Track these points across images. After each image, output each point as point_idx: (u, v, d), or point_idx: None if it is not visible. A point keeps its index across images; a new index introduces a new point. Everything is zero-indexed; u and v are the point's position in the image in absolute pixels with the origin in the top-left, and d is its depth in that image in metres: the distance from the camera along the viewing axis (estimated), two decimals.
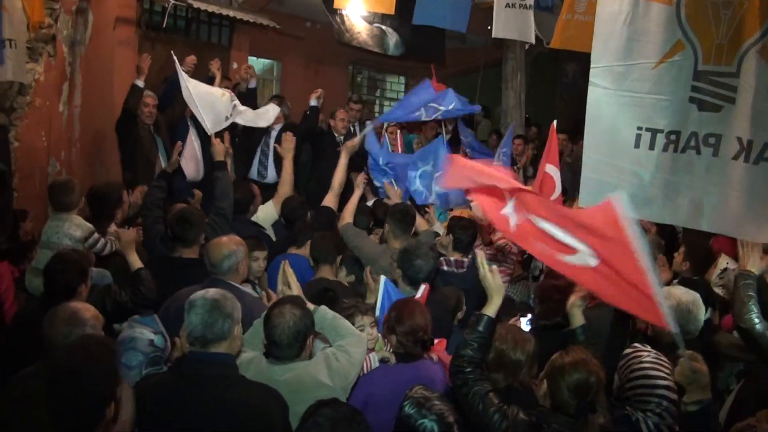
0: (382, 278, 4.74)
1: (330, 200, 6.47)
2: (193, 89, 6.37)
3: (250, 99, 8.65)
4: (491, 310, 3.64)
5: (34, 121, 8.39)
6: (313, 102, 8.96)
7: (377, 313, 4.48)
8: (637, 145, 5.06)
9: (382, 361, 3.97)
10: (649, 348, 3.89)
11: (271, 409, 3.21)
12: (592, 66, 5.23)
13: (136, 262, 4.72)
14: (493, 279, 3.69)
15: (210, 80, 8.23)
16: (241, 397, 3.17)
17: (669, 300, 4.35)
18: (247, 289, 4.68)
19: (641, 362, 3.71)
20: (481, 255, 3.88)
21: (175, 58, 6.63)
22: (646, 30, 5.05)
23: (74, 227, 5.14)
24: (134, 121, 7.71)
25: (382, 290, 4.68)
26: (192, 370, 3.20)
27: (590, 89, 5.24)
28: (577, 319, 4.06)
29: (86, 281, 4.22)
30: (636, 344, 4.11)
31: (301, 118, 9.11)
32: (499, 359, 3.74)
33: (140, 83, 7.69)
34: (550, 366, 3.43)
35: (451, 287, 5.22)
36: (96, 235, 5.26)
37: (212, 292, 3.29)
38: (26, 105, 8.22)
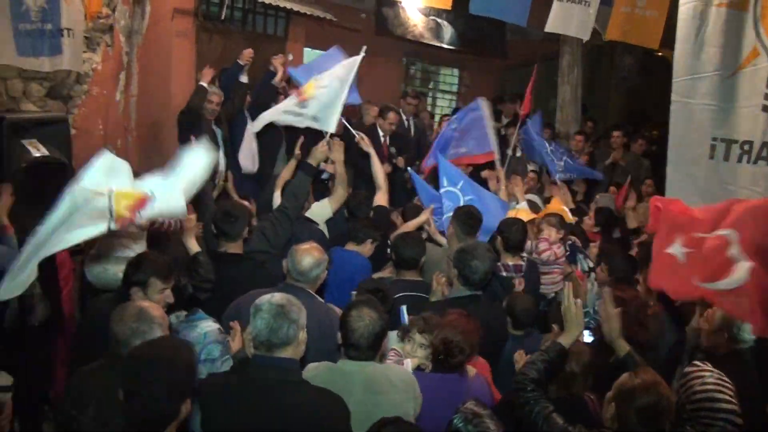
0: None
1: (381, 198, 6.43)
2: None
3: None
4: (567, 340, 3.61)
5: (91, 109, 8.49)
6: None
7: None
8: (712, 156, 5.05)
9: (418, 368, 3.98)
10: (710, 367, 3.79)
11: (333, 415, 3.21)
12: (673, 79, 5.22)
13: (194, 246, 4.80)
14: (576, 312, 3.65)
15: (270, 75, 8.26)
16: (304, 402, 3.18)
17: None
18: None
19: (704, 383, 3.59)
20: (568, 287, 3.81)
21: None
22: (719, 38, 5.00)
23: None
24: (197, 116, 7.74)
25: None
26: (256, 374, 3.21)
27: (672, 104, 5.25)
28: (622, 348, 3.89)
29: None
30: (696, 362, 4.02)
31: None
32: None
33: (205, 84, 7.70)
34: (618, 389, 3.34)
35: (527, 296, 5.11)
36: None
37: (278, 296, 3.28)
38: (83, 94, 8.32)
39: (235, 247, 4.99)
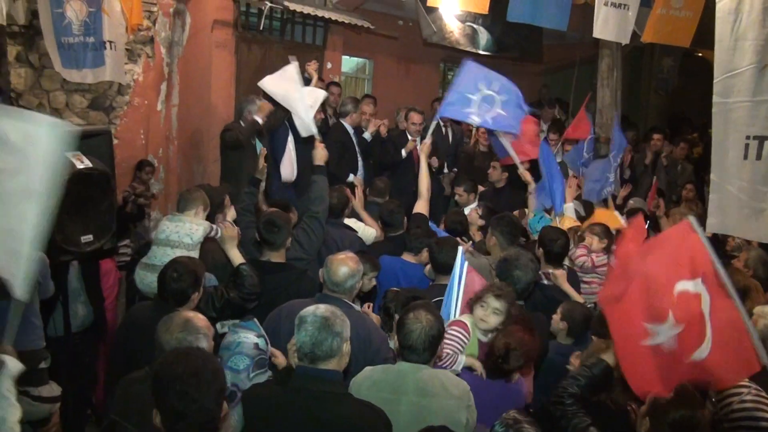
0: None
1: (421, 207, 6.41)
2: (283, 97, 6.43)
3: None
4: (611, 358, 3.60)
5: (132, 119, 8.65)
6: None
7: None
8: (745, 156, 4.95)
9: (469, 368, 3.97)
10: (747, 381, 3.73)
11: (375, 428, 3.23)
12: (714, 79, 5.13)
13: (237, 257, 4.86)
14: None
15: (306, 81, 8.31)
16: (347, 414, 3.20)
17: (764, 318, 4.20)
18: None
19: (743, 400, 3.54)
20: None
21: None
22: (753, 30, 4.92)
23: (195, 227, 5.21)
24: (240, 144, 7.83)
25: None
26: (300, 385, 3.23)
27: (714, 106, 5.15)
28: None
29: (199, 289, 4.31)
30: None
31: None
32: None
33: (260, 120, 7.79)
34: (652, 403, 3.30)
35: (583, 305, 5.07)
36: (214, 226, 5.35)
37: (322, 309, 3.30)
38: (125, 104, 8.49)
39: (277, 256, 5.01)
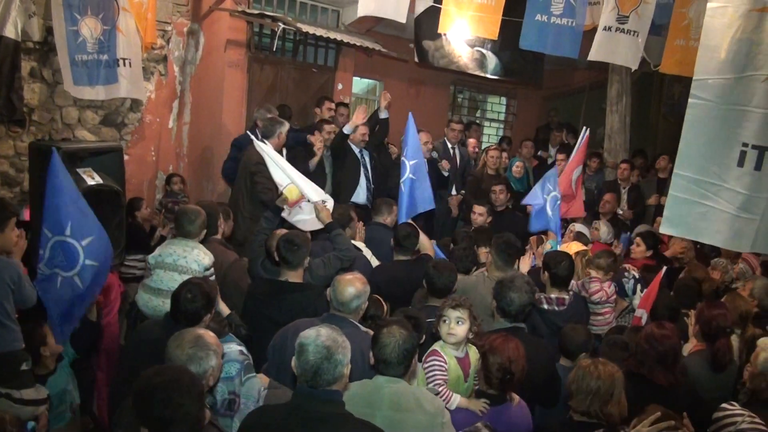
0: None
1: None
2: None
3: (382, 128, 8.95)
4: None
5: (144, 136, 8.77)
6: (383, 114, 8.94)
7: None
8: (741, 164, 4.90)
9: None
10: (740, 409, 3.73)
11: None
12: (695, 78, 5.10)
13: (225, 309, 4.92)
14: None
15: (311, 126, 8.49)
16: None
17: (765, 352, 4.21)
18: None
19: (739, 430, 3.56)
20: None
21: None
22: (759, 41, 4.88)
23: (203, 254, 5.26)
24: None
25: None
26: (301, 405, 3.23)
27: (690, 102, 5.09)
28: None
29: (211, 311, 4.34)
30: (725, 405, 3.99)
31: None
32: (578, 385, 3.66)
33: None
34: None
35: (581, 327, 5.06)
36: (212, 268, 5.38)
37: (324, 335, 3.26)
38: (137, 121, 8.60)
39: (295, 276, 5.02)
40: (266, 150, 6.09)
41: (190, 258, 5.22)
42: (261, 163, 6.95)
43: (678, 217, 5.17)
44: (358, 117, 8.36)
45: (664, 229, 5.43)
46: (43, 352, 4.69)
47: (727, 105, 4.97)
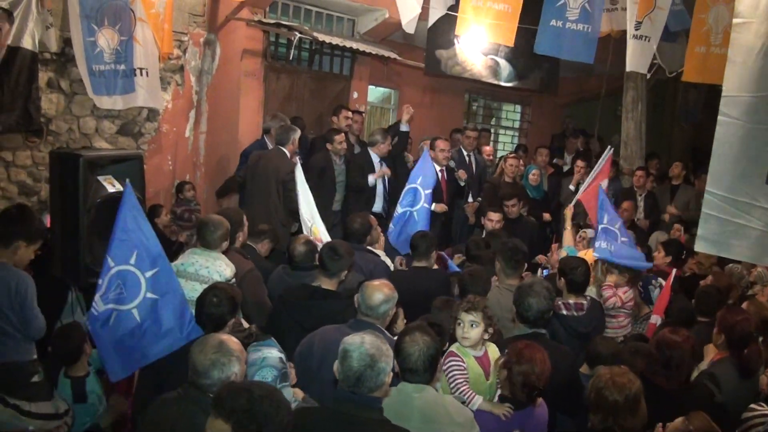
0: None
1: None
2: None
3: (401, 140, 9.09)
4: None
5: (161, 145, 8.80)
6: (403, 127, 9.01)
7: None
8: None
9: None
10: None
11: None
12: (723, 95, 5.05)
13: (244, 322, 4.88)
14: None
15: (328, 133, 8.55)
16: None
17: None
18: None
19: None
20: None
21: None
22: None
23: (224, 266, 5.23)
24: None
25: None
26: (341, 409, 3.23)
27: (720, 120, 5.06)
28: None
29: (236, 315, 4.33)
30: (754, 405, 3.96)
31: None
32: (596, 399, 3.64)
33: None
34: None
35: (611, 339, 5.05)
36: (234, 279, 5.38)
37: (368, 343, 3.24)
38: (154, 130, 8.64)
39: (329, 284, 5.00)
40: (299, 181, 6.43)
41: (213, 269, 5.18)
42: (294, 172, 7.00)
43: (712, 234, 5.16)
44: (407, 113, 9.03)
45: (699, 248, 5.40)
46: (86, 350, 4.75)
47: (754, 123, 4.95)
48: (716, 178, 5.12)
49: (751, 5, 5.01)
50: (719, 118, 5.09)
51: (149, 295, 4.32)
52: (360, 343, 3.23)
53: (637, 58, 8.76)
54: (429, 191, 7.13)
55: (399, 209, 7.19)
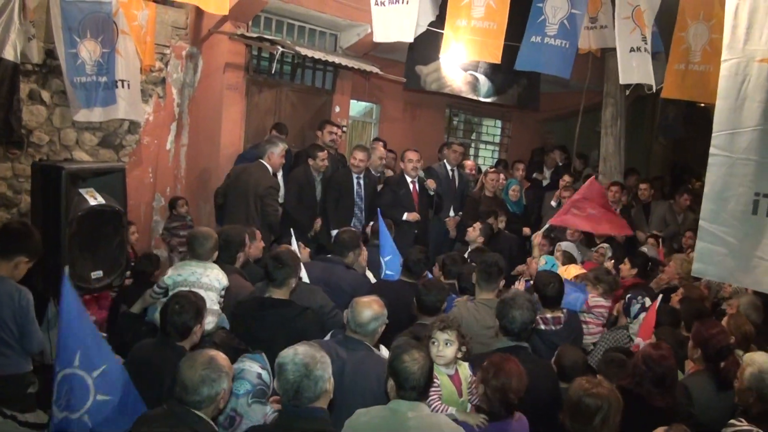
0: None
1: None
2: None
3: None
4: None
5: (141, 158, 8.80)
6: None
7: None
8: (755, 212, 5.08)
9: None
10: (748, 425, 3.74)
11: None
12: (713, 133, 5.28)
13: None
14: None
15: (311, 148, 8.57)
16: None
17: (751, 367, 4.25)
18: None
19: None
20: None
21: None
22: (761, 92, 5.07)
23: (221, 275, 5.28)
24: None
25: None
26: (288, 425, 3.25)
27: (710, 157, 5.31)
28: None
29: (201, 322, 4.35)
30: (733, 421, 4.00)
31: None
32: (574, 407, 3.66)
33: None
34: None
35: (576, 349, 5.09)
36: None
37: (301, 353, 3.29)
38: (135, 143, 8.63)
39: (279, 293, 4.96)
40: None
41: (213, 276, 5.24)
42: (272, 186, 7.00)
43: (708, 263, 5.39)
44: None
45: (696, 273, 5.67)
46: None
47: (739, 156, 5.16)
48: (709, 213, 5.35)
49: (737, 41, 5.23)
50: (711, 151, 5.32)
51: (99, 397, 3.87)
52: (293, 354, 3.27)
53: (638, 71, 8.83)
54: (388, 258, 7.02)
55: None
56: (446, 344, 4.23)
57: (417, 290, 5.65)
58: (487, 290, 5.54)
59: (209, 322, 4.99)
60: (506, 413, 3.91)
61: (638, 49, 8.57)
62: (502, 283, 5.94)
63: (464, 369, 4.36)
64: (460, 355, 4.33)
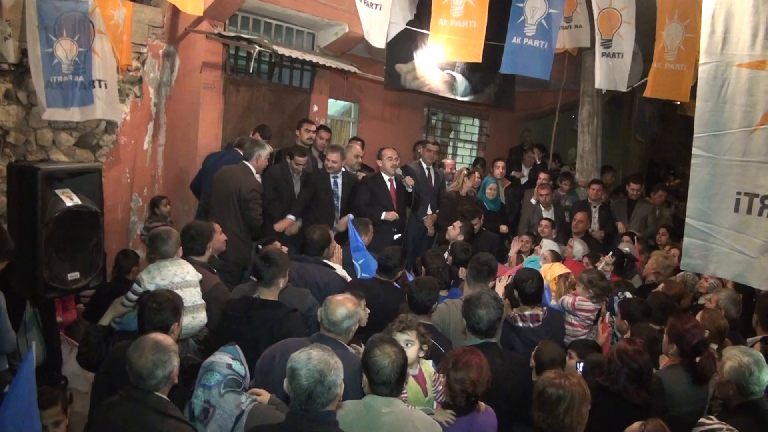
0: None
1: None
2: None
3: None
4: None
5: (119, 157, 8.77)
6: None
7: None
8: (736, 210, 5.33)
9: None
10: (719, 423, 3.79)
11: None
12: (695, 134, 5.50)
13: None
14: None
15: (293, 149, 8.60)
16: None
17: (731, 360, 4.31)
18: None
19: None
20: None
21: None
22: (741, 96, 5.25)
23: (192, 269, 5.28)
24: None
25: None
26: (297, 427, 3.24)
27: (693, 158, 5.55)
28: None
29: (179, 320, 4.35)
30: (703, 420, 4.05)
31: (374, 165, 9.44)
32: (539, 396, 3.71)
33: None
34: None
35: (554, 344, 5.07)
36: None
37: (315, 358, 3.25)
38: (112, 143, 8.60)
39: (268, 293, 4.96)
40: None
41: (192, 272, 5.25)
42: (256, 190, 6.99)
43: (695, 257, 5.69)
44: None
45: (684, 267, 5.99)
46: None
47: (722, 157, 5.40)
48: (693, 211, 5.64)
49: (714, 46, 5.41)
50: (693, 153, 5.55)
51: None
52: (307, 359, 3.24)
53: (610, 76, 8.95)
54: (361, 261, 7.04)
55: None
56: (407, 345, 4.18)
57: (392, 289, 5.68)
58: (475, 288, 5.55)
59: (199, 318, 5.11)
60: (469, 405, 3.95)
61: (606, 54, 8.72)
62: (492, 283, 5.99)
63: (427, 366, 4.39)
64: (422, 354, 4.35)
